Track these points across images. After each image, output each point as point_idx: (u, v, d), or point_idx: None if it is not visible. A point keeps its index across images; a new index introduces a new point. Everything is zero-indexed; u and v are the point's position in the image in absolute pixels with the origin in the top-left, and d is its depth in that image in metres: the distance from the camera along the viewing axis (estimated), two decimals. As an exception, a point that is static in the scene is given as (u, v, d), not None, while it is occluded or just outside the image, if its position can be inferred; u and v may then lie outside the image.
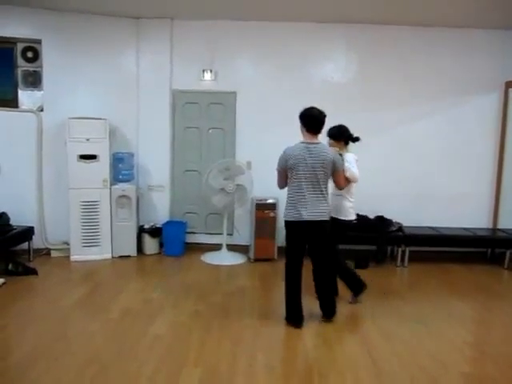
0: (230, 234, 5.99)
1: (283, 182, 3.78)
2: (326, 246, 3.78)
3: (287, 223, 3.74)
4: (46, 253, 5.64)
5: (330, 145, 4.08)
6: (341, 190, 3.95)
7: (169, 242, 5.82)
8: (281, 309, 3.89)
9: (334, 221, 3.98)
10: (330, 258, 3.85)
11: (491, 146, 5.97)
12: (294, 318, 3.76)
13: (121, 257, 5.62)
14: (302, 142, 3.67)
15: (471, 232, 5.78)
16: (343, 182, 3.87)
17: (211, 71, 5.84)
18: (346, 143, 4.15)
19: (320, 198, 3.65)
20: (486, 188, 6.02)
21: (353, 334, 3.69)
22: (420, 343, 3.56)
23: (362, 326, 3.81)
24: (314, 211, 3.63)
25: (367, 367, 3.16)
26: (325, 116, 3.69)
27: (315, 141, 3.67)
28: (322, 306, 3.89)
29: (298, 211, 3.63)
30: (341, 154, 3.95)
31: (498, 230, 5.97)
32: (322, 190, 3.66)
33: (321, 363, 3.24)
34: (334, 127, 4.14)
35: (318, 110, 3.68)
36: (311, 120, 3.65)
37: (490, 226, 6.05)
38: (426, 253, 5.90)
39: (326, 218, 3.71)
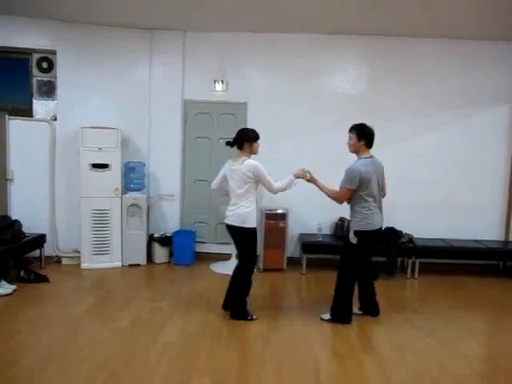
0: (240, 244, 5.99)
1: (348, 198, 3.93)
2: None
3: (370, 232, 3.89)
4: (57, 260, 5.69)
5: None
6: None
7: (178, 251, 5.84)
8: (290, 319, 3.89)
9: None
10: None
11: (503, 158, 5.94)
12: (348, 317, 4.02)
13: (131, 265, 5.65)
14: (367, 158, 3.92)
15: (483, 244, 5.73)
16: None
17: (222, 82, 5.90)
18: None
19: (381, 206, 4.04)
20: (498, 200, 5.98)
21: (363, 344, 3.66)
22: (431, 356, 3.52)
23: (373, 337, 3.78)
24: (381, 218, 4.00)
25: (377, 379, 3.13)
26: None
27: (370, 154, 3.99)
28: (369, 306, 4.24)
29: (375, 219, 3.91)
30: None
31: (511, 242, 5.91)
32: (381, 198, 4.07)
33: (330, 373, 3.22)
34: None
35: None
36: (372, 137, 3.95)
37: (502, 239, 5.99)
38: (436, 265, 5.85)
39: None
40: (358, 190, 3.84)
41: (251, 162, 3.95)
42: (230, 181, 4.02)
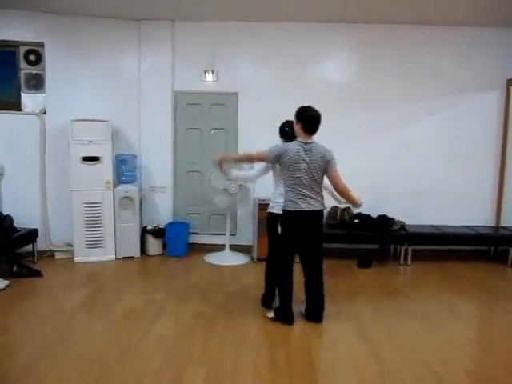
0: (233, 235, 6.01)
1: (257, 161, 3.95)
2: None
3: (287, 213, 3.70)
4: (49, 254, 5.67)
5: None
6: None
7: (172, 242, 5.84)
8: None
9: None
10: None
11: (493, 144, 5.97)
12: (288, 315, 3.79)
13: (124, 258, 5.65)
14: (300, 141, 3.67)
15: (474, 230, 5.77)
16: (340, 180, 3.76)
17: (213, 72, 5.86)
18: None
19: (314, 195, 3.69)
20: (489, 186, 6.01)
21: (356, 331, 3.69)
22: (423, 341, 3.57)
23: (366, 324, 3.81)
24: (310, 204, 3.67)
25: (370, 364, 3.17)
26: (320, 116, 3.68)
27: (309, 140, 3.68)
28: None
29: (298, 204, 3.65)
30: None
31: (501, 227, 5.96)
32: (317, 189, 3.72)
33: (324, 361, 3.26)
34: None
35: (316, 110, 3.68)
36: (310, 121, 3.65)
37: (493, 224, 6.04)
38: (428, 251, 5.90)
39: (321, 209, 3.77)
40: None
41: None
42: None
